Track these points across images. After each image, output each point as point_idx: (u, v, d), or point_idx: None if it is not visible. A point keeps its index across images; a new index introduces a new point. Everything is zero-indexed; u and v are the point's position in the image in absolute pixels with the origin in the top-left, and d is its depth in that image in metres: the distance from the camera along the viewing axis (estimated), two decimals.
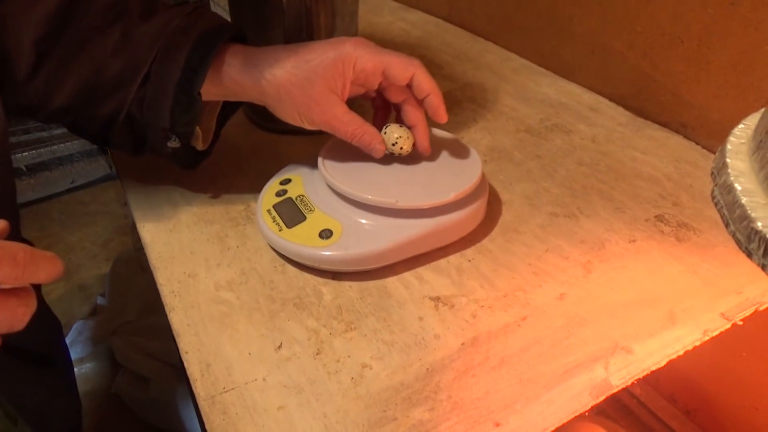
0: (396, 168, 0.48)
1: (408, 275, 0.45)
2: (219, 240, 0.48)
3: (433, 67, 0.78)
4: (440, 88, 0.47)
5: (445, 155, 0.50)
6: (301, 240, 0.44)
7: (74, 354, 1.26)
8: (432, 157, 0.50)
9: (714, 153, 0.60)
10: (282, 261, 0.46)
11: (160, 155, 0.49)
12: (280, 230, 0.45)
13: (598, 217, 0.51)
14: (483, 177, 0.49)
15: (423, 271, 0.45)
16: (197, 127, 0.48)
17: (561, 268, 0.45)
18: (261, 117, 0.64)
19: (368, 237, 0.44)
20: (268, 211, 0.47)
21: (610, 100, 0.69)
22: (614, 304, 0.42)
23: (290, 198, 0.48)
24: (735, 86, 0.56)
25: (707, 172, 0.57)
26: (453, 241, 0.47)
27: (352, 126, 0.45)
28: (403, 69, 0.45)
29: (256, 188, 0.51)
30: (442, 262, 0.46)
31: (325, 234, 0.44)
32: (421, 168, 0.48)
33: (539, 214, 0.52)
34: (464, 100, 0.70)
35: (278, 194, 0.49)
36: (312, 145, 0.52)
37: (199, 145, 0.50)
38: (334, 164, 0.48)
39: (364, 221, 0.45)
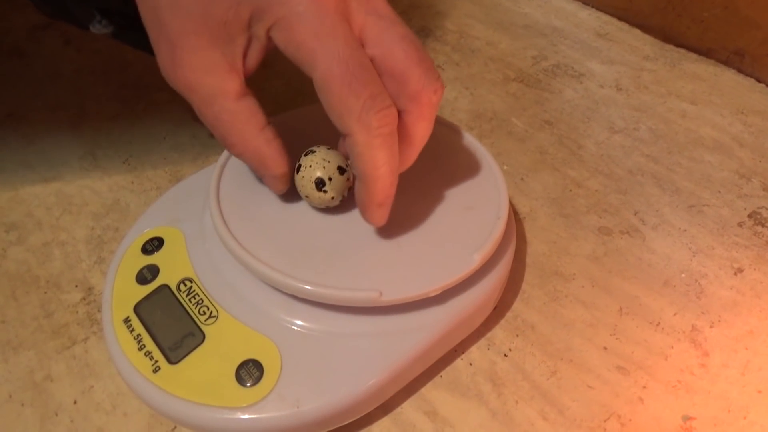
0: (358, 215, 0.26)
1: (408, 408, 0.25)
2: (36, 393, 0.25)
3: None
4: None
5: (435, 169, 0.29)
6: (202, 391, 0.22)
7: None
8: (414, 176, 0.28)
9: None
10: (169, 427, 0.24)
11: None
12: (155, 370, 0.23)
13: (669, 226, 0.33)
14: (510, 205, 0.28)
15: (431, 393, 0.25)
16: None
17: (658, 352, 0.27)
18: None
19: (335, 365, 0.23)
20: (127, 321, 0.24)
21: (621, 20, 0.49)
22: None
23: (166, 287, 0.25)
24: None
25: None
26: (476, 327, 0.27)
27: (232, 118, 0.22)
28: (345, 97, 0.20)
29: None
30: (461, 365, 0.26)
31: (248, 371, 0.22)
32: (403, 205, 0.27)
33: (583, 233, 0.32)
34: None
35: (141, 279, 0.25)
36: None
37: None
38: (243, 215, 0.25)
39: (317, 330, 0.23)
